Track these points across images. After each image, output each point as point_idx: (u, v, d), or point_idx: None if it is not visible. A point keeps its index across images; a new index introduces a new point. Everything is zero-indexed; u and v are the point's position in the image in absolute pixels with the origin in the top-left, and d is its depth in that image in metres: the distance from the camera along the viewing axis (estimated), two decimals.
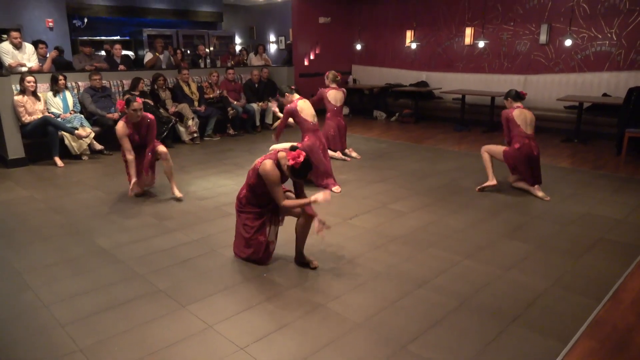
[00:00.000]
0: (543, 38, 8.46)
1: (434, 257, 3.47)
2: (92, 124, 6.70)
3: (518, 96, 4.92)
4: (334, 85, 6.45)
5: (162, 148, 4.77)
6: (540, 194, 4.79)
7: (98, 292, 2.98)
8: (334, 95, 6.39)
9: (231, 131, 8.31)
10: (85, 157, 6.56)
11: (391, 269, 3.28)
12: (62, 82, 6.54)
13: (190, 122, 7.52)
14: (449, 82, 9.78)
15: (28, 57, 6.86)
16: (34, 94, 6.26)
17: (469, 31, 9.31)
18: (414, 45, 9.85)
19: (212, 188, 5.23)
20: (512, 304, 2.82)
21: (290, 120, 5.32)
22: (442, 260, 3.41)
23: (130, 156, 4.57)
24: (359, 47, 10.88)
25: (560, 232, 3.92)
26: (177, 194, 4.78)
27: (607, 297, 2.91)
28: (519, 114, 4.82)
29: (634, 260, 3.40)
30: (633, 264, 3.33)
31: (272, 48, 14.15)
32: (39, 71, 6.81)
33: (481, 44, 8.91)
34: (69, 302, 2.86)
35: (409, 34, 9.91)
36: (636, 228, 4.01)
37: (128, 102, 4.56)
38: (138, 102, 4.57)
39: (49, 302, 2.86)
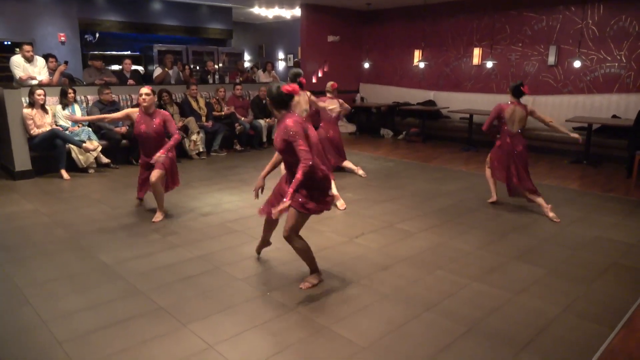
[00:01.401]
0: (552, 59, 8.44)
1: (442, 279, 3.39)
2: (100, 137, 6.72)
3: (517, 91, 4.87)
4: (330, 95, 6.19)
5: (152, 177, 4.44)
6: (551, 214, 4.71)
7: (98, 308, 2.92)
8: (329, 103, 6.10)
9: (238, 147, 8.32)
10: (91, 171, 6.56)
11: (398, 291, 3.20)
12: (71, 95, 6.58)
13: (194, 136, 7.52)
14: (456, 102, 9.75)
15: (39, 70, 6.92)
16: (43, 107, 6.30)
17: (477, 51, 9.33)
18: (422, 65, 9.86)
19: (218, 204, 5.19)
20: (523, 330, 2.73)
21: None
22: (451, 283, 3.33)
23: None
24: (367, 65, 10.93)
25: (572, 256, 3.83)
26: (157, 217, 4.60)
27: (620, 325, 2.81)
28: (510, 112, 4.85)
29: None
30: None
31: (281, 65, 14.26)
32: (48, 84, 6.86)
33: (489, 64, 8.91)
34: (68, 318, 2.80)
35: (417, 54, 9.94)
36: None
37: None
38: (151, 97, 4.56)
39: (48, 318, 2.80)
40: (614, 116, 7.71)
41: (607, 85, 7.94)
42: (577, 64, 7.76)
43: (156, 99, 4.71)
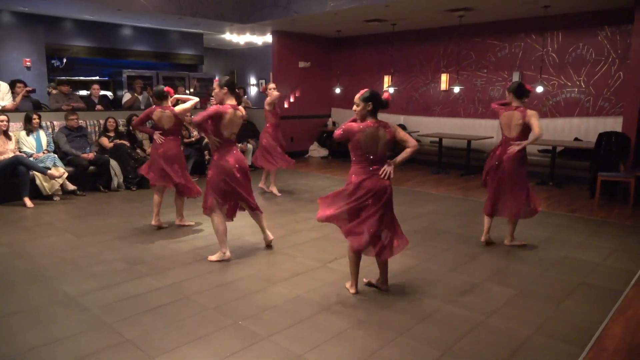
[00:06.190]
0: None
1: (415, 303, 3.38)
2: (66, 164, 6.54)
3: (519, 91, 4.24)
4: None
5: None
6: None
7: (60, 344, 2.78)
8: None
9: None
10: (56, 198, 6.35)
11: (371, 315, 3.18)
12: (36, 121, 6.42)
13: None
14: (426, 126, 9.96)
15: (2, 96, 6.75)
16: (6, 133, 6.12)
17: (444, 77, 9.60)
18: (391, 90, 10.06)
19: (187, 231, 5.08)
20: (495, 353, 2.73)
21: None
22: (424, 305, 3.33)
23: None
24: (338, 90, 11.08)
25: (541, 277, 3.89)
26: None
27: (590, 345, 2.85)
28: (506, 117, 4.35)
29: (614, 305, 3.38)
30: (613, 309, 3.31)
31: (253, 91, 14.32)
32: (11, 110, 6.67)
33: (456, 89, 9.17)
34: (26, 356, 2.65)
35: (387, 79, 10.15)
36: (614, 272, 4.03)
37: None
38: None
39: (6, 355, 2.65)
40: (576, 139, 8.01)
41: (568, 109, 8.26)
42: (539, 89, 8.06)
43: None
